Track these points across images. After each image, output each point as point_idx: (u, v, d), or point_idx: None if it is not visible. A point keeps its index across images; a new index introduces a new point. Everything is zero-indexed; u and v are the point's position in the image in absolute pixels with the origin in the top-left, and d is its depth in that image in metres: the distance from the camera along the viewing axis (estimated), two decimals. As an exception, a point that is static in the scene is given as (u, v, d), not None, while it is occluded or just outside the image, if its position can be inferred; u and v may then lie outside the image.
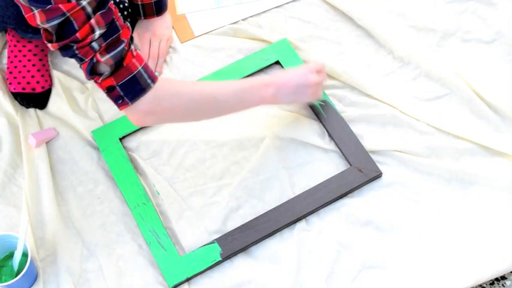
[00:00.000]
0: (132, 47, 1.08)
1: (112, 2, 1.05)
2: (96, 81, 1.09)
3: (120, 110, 1.12)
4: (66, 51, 1.05)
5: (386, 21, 1.50)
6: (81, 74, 1.47)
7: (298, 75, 1.27)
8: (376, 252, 1.24)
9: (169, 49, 1.49)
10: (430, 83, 1.42)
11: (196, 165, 1.35)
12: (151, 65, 1.45)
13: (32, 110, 1.41)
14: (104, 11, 1.02)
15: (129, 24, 1.08)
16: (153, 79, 1.10)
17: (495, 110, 1.37)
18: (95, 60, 1.05)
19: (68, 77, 1.46)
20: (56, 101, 1.42)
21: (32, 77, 1.41)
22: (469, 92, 1.38)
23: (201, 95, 1.17)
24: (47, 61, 1.45)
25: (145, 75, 1.09)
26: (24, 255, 1.20)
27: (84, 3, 1.00)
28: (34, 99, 1.41)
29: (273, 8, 1.54)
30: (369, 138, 1.36)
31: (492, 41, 1.46)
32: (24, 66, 1.41)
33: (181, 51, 1.49)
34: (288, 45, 1.46)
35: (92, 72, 1.07)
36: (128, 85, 1.08)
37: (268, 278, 1.23)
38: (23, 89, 1.40)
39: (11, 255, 1.22)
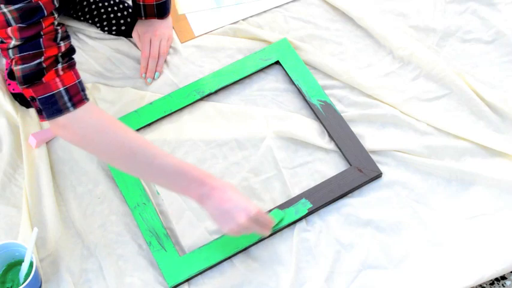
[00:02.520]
0: (59, 66, 1.06)
1: (54, 19, 1.04)
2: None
3: (40, 121, 1.11)
4: None
5: (387, 21, 1.50)
6: (81, 73, 1.46)
7: (236, 204, 1.13)
8: (376, 252, 1.24)
9: (169, 49, 1.49)
10: (430, 83, 1.42)
11: (196, 165, 1.35)
12: (151, 64, 1.45)
13: (32, 110, 1.41)
14: (23, 25, 1.02)
15: (63, 44, 1.07)
16: (75, 104, 1.07)
17: (495, 110, 1.37)
18: (11, 66, 1.06)
19: (68, 77, 1.46)
20: (56, 101, 1.42)
21: None
22: (469, 92, 1.38)
23: (121, 145, 1.11)
24: None
25: (65, 98, 1.07)
26: (30, 264, 1.20)
27: (5, 10, 1.00)
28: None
29: (273, 8, 1.54)
30: (369, 138, 1.36)
31: (492, 41, 1.46)
32: None
33: (181, 51, 1.49)
34: (288, 45, 1.46)
35: (10, 76, 1.07)
36: (46, 102, 1.07)
37: (268, 278, 1.23)
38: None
39: (15, 263, 1.22)
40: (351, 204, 1.29)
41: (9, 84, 1.42)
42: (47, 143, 1.37)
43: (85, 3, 1.50)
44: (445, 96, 1.40)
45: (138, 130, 1.39)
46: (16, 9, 1.00)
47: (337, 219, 1.28)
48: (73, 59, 1.10)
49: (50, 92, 1.06)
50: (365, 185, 1.31)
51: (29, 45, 1.04)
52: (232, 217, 1.12)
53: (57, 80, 1.07)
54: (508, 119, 1.36)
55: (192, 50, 1.50)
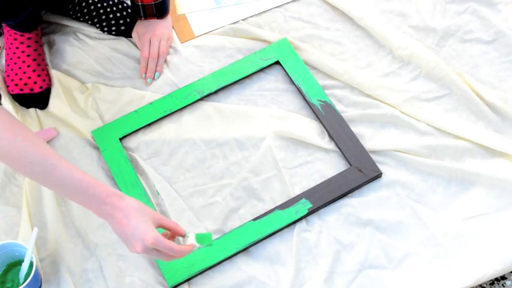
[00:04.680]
0: None
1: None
2: None
3: None
4: None
5: (386, 21, 1.50)
6: (80, 73, 1.47)
7: (133, 232, 1.06)
8: (376, 252, 1.24)
9: (169, 49, 1.49)
10: (430, 83, 1.42)
11: (196, 165, 1.35)
12: (151, 64, 1.45)
13: (32, 110, 1.41)
14: None
15: None
16: None
17: (495, 110, 1.37)
18: None
19: (67, 77, 1.46)
20: (55, 101, 1.42)
21: (29, 78, 1.41)
22: (469, 92, 1.38)
23: (14, 151, 1.05)
24: (42, 60, 1.45)
25: None
26: (29, 264, 1.20)
27: None
28: (33, 99, 1.41)
29: (273, 8, 1.54)
30: (369, 138, 1.36)
31: (492, 41, 1.46)
32: (20, 68, 1.42)
33: (181, 51, 1.49)
34: (288, 45, 1.46)
35: None
36: None
37: (268, 278, 1.23)
38: (21, 90, 1.40)
39: (15, 263, 1.22)
40: (351, 204, 1.29)
41: (8, 86, 1.42)
42: (47, 142, 1.37)
43: (85, 3, 1.50)
44: (445, 96, 1.40)
45: (138, 130, 1.39)
46: None
47: (337, 219, 1.28)
48: None
49: None
50: (365, 185, 1.31)
51: None
52: (129, 244, 1.06)
53: None
54: (508, 119, 1.36)
55: (192, 50, 1.50)
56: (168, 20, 1.49)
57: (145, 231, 1.05)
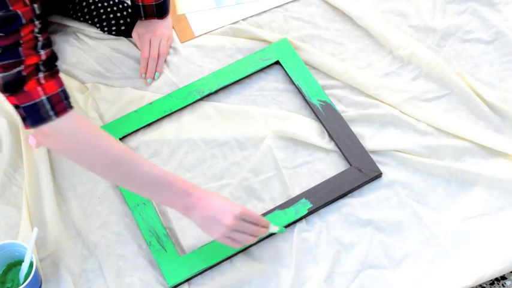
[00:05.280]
0: (41, 75, 1.05)
1: (35, 25, 1.03)
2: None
3: (25, 129, 1.10)
4: None
5: (386, 21, 1.50)
6: (80, 73, 1.47)
7: (220, 208, 1.13)
8: (376, 252, 1.24)
9: (169, 49, 1.49)
10: (430, 83, 1.42)
11: (196, 165, 1.35)
12: (151, 65, 1.45)
13: (32, 110, 1.41)
14: (2, 34, 1.01)
15: (43, 52, 1.06)
16: (58, 113, 1.06)
17: (495, 110, 1.37)
18: None
19: (67, 77, 1.46)
20: (56, 101, 1.42)
21: None
22: (469, 92, 1.38)
23: (104, 155, 1.10)
24: None
25: (47, 107, 1.06)
26: (29, 264, 1.20)
27: None
28: None
29: (273, 8, 1.54)
30: (369, 138, 1.36)
31: (492, 41, 1.46)
32: None
33: (181, 51, 1.49)
34: (288, 45, 1.46)
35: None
36: (29, 110, 1.06)
37: (268, 278, 1.23)
38: None
39: (15, 263, 1.22)
40: (351, 204, 1.29)
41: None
42: (47, 143, 1.38)
43: (85, 3, 1.50)
44: (445, 96, 1.40)
45: (138, 130, 1.39)
46: None
47: (337, 219, 1.28)
48: (55, 66, 1.08)
49: (32, 101, 1.05)
50: (365, 185, 1.31)
51: (8, 54, 1.03)
52: (219, 221, 1.12)
53: (39, 88, 1.05)
54: (508, 119, 1.36)
55: (192, 50, 1.50)
56: (169, 20, 1.50)
57: (233, 204, 1.14)
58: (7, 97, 1.07)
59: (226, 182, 1.33)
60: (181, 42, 1.51)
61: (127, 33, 1.51)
